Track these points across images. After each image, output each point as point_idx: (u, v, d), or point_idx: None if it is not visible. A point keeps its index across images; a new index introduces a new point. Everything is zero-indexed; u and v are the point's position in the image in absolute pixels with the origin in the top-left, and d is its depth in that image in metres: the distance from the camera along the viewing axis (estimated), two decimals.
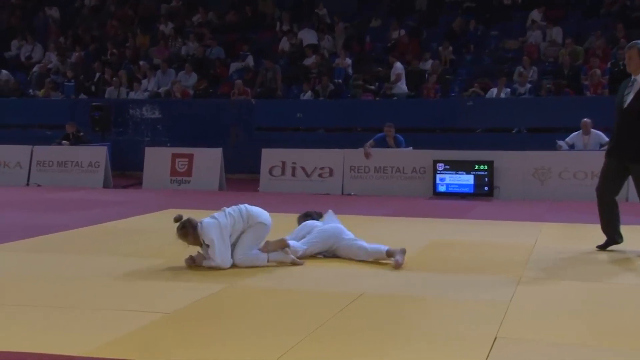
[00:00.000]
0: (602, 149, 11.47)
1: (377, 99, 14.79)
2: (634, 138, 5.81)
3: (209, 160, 12.57)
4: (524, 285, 4.78)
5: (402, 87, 14.78)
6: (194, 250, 5.45)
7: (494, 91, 14.33)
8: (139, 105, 15.56)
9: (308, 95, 15.34)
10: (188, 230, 5.33)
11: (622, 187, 6.13)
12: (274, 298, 4.46)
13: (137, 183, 13.06)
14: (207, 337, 3.63)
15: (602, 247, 6.19)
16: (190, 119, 15.06)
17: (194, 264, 5.37)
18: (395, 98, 14.76)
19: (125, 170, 14.90)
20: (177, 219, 5.39)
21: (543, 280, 5.00)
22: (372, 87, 15.39)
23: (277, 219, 8.56)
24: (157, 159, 12.84)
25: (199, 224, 5.32)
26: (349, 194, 11.74)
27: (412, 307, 4.30)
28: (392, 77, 14.85)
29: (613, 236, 6.17)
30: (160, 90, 16.11)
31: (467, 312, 4.15)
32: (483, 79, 14.79)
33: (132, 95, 16.43)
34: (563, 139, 11.82)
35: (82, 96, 16.69)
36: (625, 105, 5.85)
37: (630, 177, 6.00)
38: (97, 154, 13.11)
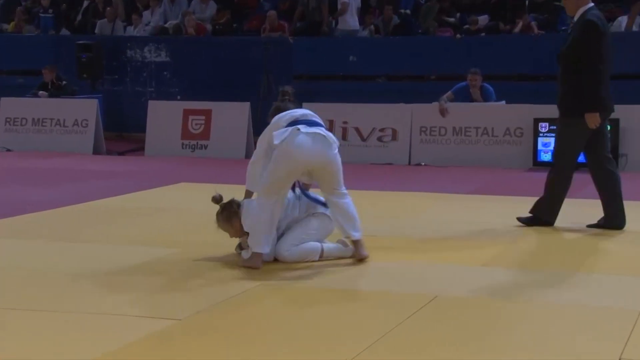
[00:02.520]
0: None
1: (459, 36, 14.68)
2: (561, 87, 6.53)
3: (232, 119, 12.70)
4: None
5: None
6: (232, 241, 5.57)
7: (622, 21, 14.01)
8: (140, 45, 15.73)
9: (365, 31, 15.30)
10: (232, 216, 5.39)
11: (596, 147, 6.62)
12: (319, 299, 4.56)
13: (138, 148, 13.30)
14: (229, 348, 3.75)
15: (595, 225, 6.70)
16: (208, 63, 15.16)
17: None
18: (483, 34, 14.62)
19: (122, 132, 15.16)
20: (217, 199, 5.48)
21: None
22: (453, 20, 15.23)
23: None
24: (164, 117, 13.02)
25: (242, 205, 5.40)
26: (419, 164, 11.76)
27: (501, 313, 4.36)
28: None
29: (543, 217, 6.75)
30: (167, 25, 16.25)
31: (576, 323, 4.18)
32: (607, 5, 14.49)
33: (130, 31, 16.63)
34: None
35: (65, 32, 16.96)
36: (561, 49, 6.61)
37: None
38: (85, 110, 13.35)
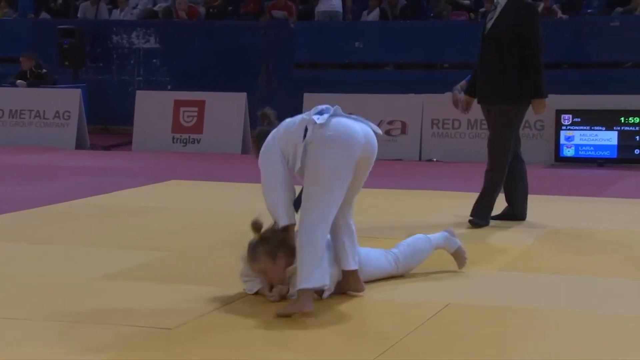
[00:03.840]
0: None
1: (474, 18, 14.68)
2: (495, 72, 6.64)
3: (227, 111, 12.72)
4: None
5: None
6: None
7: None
8: (127, 30, 15.75)
9: (372, 15, 15.31)
10: (279, 248, 4.55)
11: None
12: (325, 306, 4.58)
13: (125, 143, 13.32)
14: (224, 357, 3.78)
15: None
16: (201, 50, 15.21)
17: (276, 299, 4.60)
18: None
19: (107, 124, 15.19)
20: (258, 225, 4.63)
21: None
22: (467, 2, 15.24)
23: None
24: (153, 109, 13.03)
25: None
26: (430, 160, 11.77)
27: (515, 321, 4.39)
28: None
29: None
30: (157, 8, 16.28)
31: (599, 332, 4.21)
32: None
33: (116, 15, 16.65)
34: None
35: (45, 15, 16.97)
36: (486, 32, 6.76)
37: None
38: (67, 101, 13.34)
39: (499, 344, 4.07)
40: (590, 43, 14.07)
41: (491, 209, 6.84)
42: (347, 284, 4.74)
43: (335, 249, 4.68)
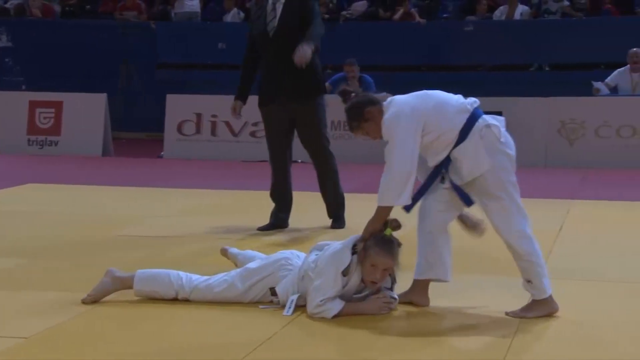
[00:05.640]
0: None
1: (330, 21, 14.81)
2: (293, 71, 6.32)
3: (86, 112, 12.50)
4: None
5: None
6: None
7: (502, 11, 14.47)
8: None
9: (233, 15, 15.24)
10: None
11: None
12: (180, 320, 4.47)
13: None
14: None
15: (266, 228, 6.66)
16: (58, 49, 14.83)
17: None
18: (354, 19, 14.84)
19: None
20: (396, 225, 4.41)
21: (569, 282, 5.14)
22: (330, 5, 15.35)
23: (196, 201, 8.62)
24: (6, 110, 12.67)
25: None
26: (295, 161, 11.72)
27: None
28: None
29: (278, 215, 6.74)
30: (8, 5, 15.83)
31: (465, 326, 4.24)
32: None
33: None
34: (602, 79, 12.07)
35: None
36: (272, 32, 6.50)
37: None
38: None
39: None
40: (447, 47, 14.43)
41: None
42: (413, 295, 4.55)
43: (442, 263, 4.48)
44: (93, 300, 4.51)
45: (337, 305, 4.24)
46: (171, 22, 15.14)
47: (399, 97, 4.46)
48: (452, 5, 15.59)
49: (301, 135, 6.79)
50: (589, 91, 11.93)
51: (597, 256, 5.90)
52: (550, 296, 4.31)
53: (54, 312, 4.40)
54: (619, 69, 12.00)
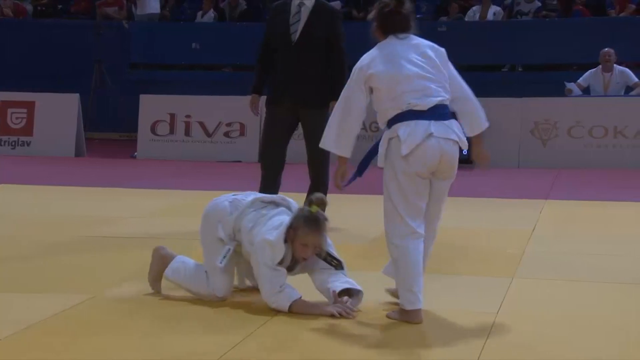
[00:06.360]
0: (631, 93, 11.87)
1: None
2: (308, 77, 6.42)
3: (59, 112, 12.42)
4: (516, 290, 4.90)
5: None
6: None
7: (476, 11, 14.52)
8: None
9: (209, 16, 15.18)
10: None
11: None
12: (149, 309, 4.43)
13: None
14: None
15: None
16: (30, 49, 14.73)
17: None
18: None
19: None
20: (321, 201, 4.44)
21: (544, 282, 5.15)
22: None
23: (170, 202, 8.57)
24: None
25: None
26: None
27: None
28: None
29: None
30: None
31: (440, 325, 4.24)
32: None
33: None
34: (574, 79, 12.14)
35: None
36: (297, 36, 6.41)
37: None
38: None
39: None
40: None
41: None
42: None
43: None
44: (154, 279, 4.66)
45: (295, 294, 4.28)
46: (144, 22, 15.05)
47: (387, 47, 4.72)
48: (426, 5, 15.64)
49: (308, 140, 6.67)
50: (561, 92, 12.02)
51: (570, 256, 5.91)
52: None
53: (28, 312, 4.34)
54: (590, 70, 12.09)
